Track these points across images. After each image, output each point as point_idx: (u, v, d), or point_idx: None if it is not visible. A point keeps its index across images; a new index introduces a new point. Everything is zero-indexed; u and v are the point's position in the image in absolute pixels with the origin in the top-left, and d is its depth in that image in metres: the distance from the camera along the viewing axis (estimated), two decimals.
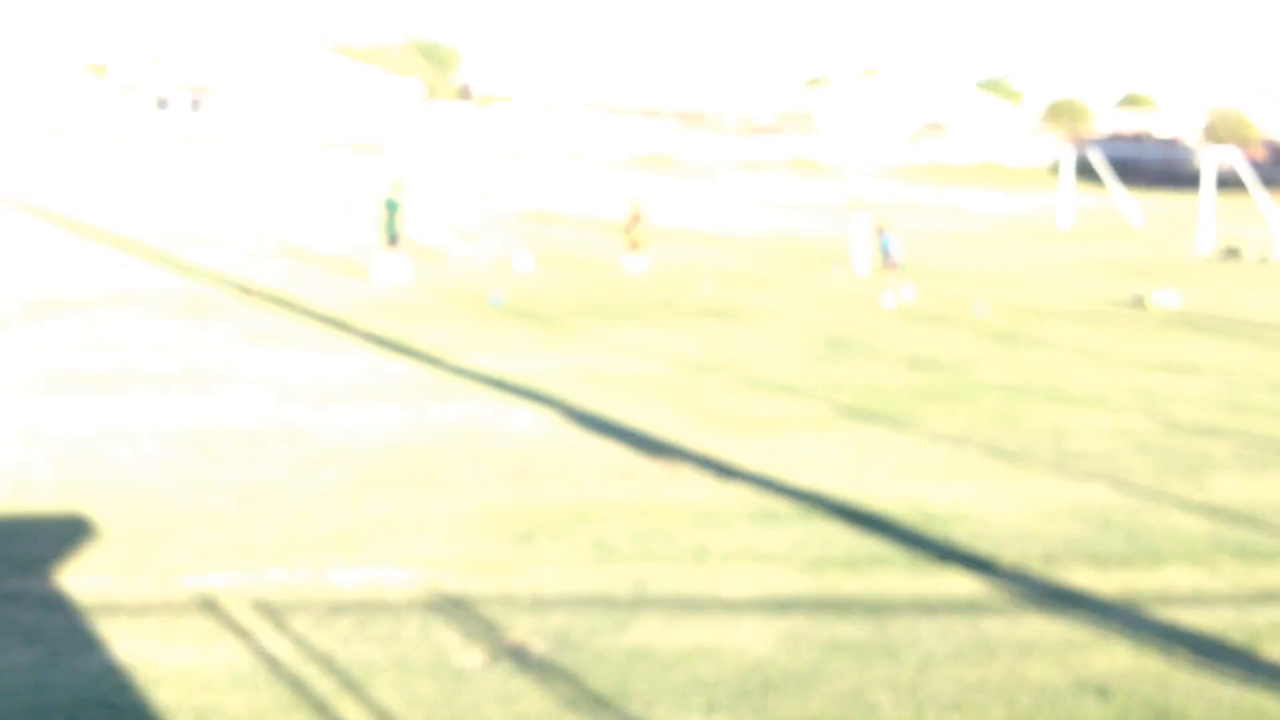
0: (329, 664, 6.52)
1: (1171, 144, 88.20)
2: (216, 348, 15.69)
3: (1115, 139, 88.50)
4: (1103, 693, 6.46)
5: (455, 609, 7.39)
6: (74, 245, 25.93)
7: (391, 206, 22.73)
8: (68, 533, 8.51)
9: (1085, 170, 57.00)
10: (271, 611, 7.23)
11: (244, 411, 12.30)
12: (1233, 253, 34.74)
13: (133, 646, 6.67)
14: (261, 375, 14.08)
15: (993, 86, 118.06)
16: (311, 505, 9.35)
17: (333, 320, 18.13)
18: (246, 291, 20.38)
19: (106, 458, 10.43)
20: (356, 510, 9.29)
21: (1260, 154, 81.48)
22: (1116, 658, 6.96)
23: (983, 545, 8.98)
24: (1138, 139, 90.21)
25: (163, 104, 71.16)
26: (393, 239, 22.60)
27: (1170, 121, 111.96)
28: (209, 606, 7.30)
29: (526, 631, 7.04)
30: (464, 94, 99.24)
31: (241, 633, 6.94)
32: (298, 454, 10.77)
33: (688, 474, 10.69)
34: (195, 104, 71.31)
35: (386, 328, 17.64)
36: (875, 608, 7.70)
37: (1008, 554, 8.77)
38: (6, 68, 78.77)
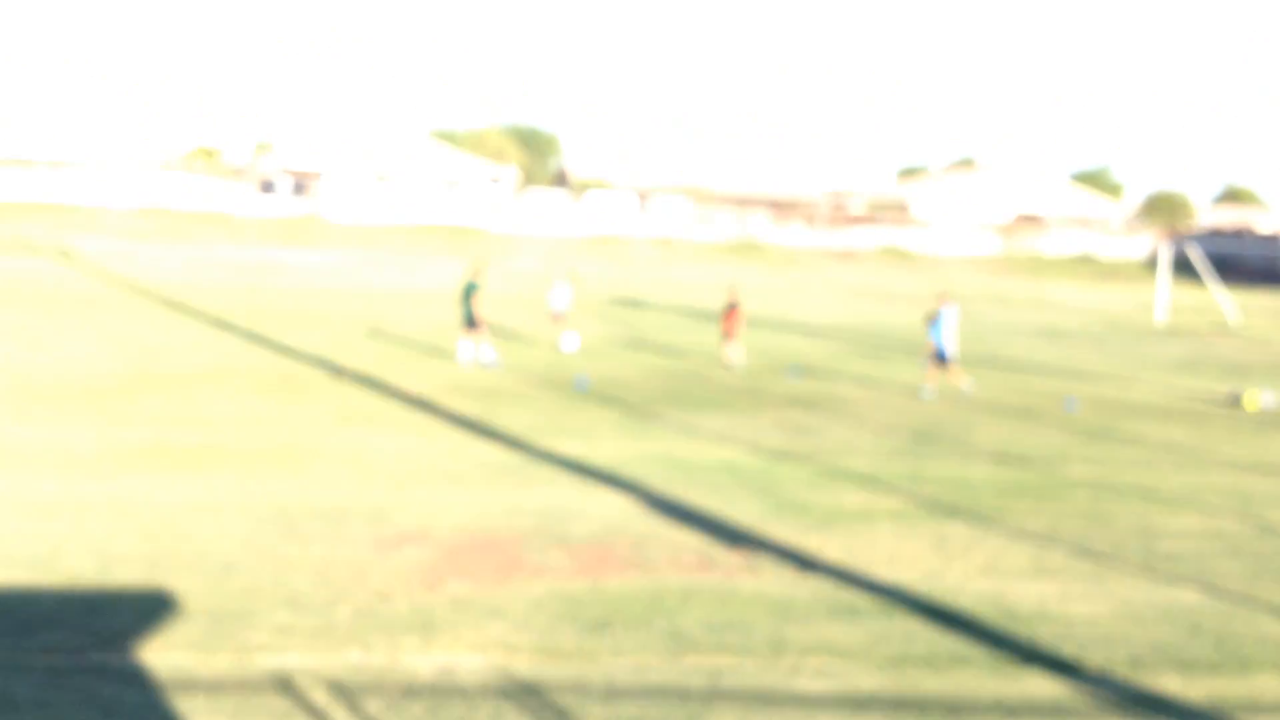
0: None
1: (1273, 241, 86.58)
2: (304, 426, 15.94)
3: (1215, 234, 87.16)
4: None
5: (528, 696, 7.37)
6: (175, 323, 26.60)
7: (470, 290, 22.98)
8: (150, 608, 8.64)
9: (1183, 266, 56.19)
10: (346, 693, 7.27)
11: (328, 490, 12.46)
12: None
13: None
14: (347, 455, 14.27)
15: (1092, 178, 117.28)
16: (389, 586, 9.41)
17: (420, 402, 18.35)
18: (337, 371, 20.72)
19: (192, 533, 10.61)
20: (434, 593, 9.32)
21: None
22: None
23: (1068, 647, 8.77)
24: (1238, 235, 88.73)
25: (268, 187, 73.06)
26: (471, 322, 22.82)
27: (1272, 218, 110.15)
28: (284, 686, 7.35)
29: None
30: (560, 180, 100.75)
31: (315, 714, 6.98)
32: (378, 534, 10.86)
33: (767, 565, 10.60)
34: (299, 188, 73.13)
35: (471, 410, 17.81)
36: (955, 708, 7.55)
37: (1093, 657, 8.56)
38: (122, 150, 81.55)
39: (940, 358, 21.90)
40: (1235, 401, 23.14)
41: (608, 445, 15.79)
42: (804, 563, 10.70)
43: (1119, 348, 33.91)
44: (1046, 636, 8.99)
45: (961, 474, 15.22)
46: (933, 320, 22.33)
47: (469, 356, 22.78)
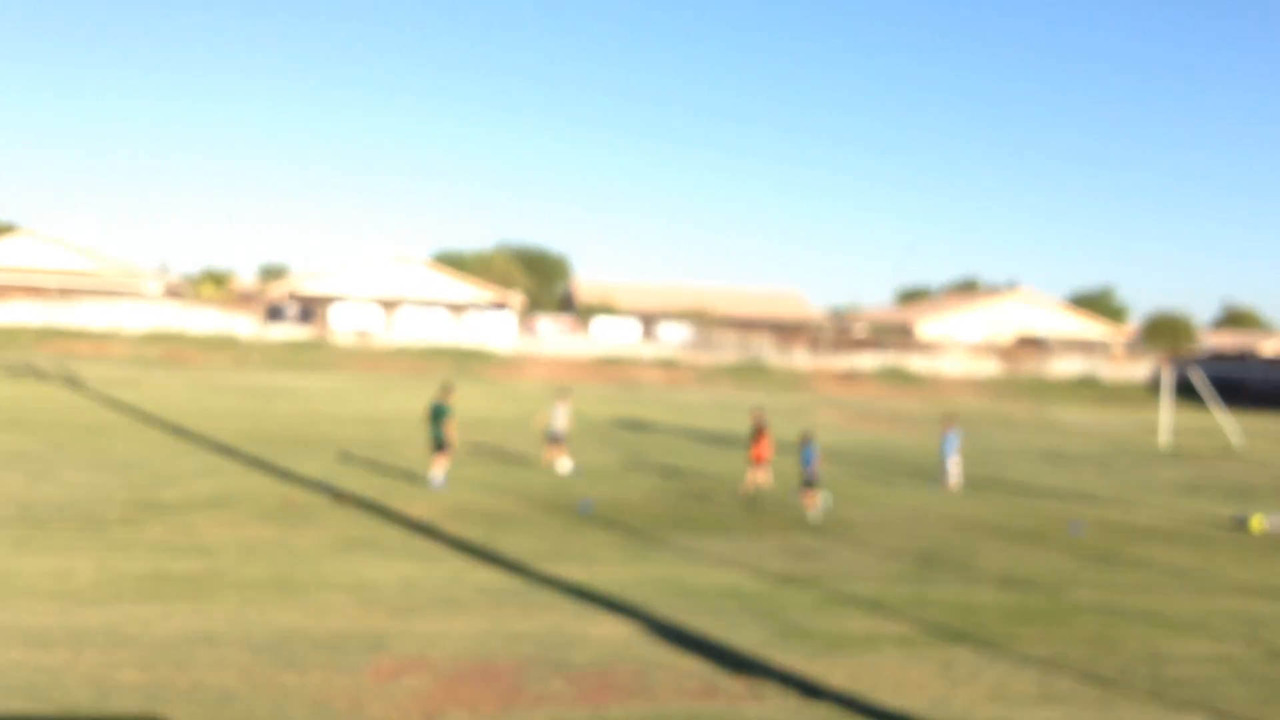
0: None
1: (1276, 364, 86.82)
2: (305, 553, 15.86)
3: (1217, 357, 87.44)
4: None
5: None
6: (179, 449, 26.61)
7: (440, 412, 22.83)
8: None
9: (1186, 389, 56.25)
10: None
11: (326, 619, 12.37)
12: None
13: None
14: (346, 582, 14.19)
15: (1095, 300, 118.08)
16: (387, 716, 9.30)
17: (421, 527, 18.28)
18: (338, 497, 20.67)
19: (190, 663, 10.52)
20: None
21: None
22: None
23: None
24: (1240, 358, 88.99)
25: (275, 313, 73.67)
26: (439, 445, 22.68)
27: (1275, 341, 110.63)
28: None
29: None
30: (566, 303, 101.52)
31: None
32: (377, 663, 10.77)
33: (771, 692, 10.48)
34: (306, 313, 73.73)
35: (473, 534, 17.74)
36: None
37: None
38: (135, 276, 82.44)
39: (808, 482, 21.71)
40: (1241, 525, 23.03)
41: (610, 569, 15.71)
42: (809, 690, 10.58)
43: (1123, 471, 33.80)
44: None
45: (967, 598, 15.11)
46: (804, 445, 22.15)
47: (440, 481, 22.57)
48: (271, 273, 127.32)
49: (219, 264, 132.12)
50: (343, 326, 73.96)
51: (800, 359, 77.98)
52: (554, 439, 26.56)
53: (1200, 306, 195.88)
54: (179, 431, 30.01)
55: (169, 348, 66.87)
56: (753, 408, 28.77)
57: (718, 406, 53.03)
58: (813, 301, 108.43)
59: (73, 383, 45.24)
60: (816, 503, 21.90)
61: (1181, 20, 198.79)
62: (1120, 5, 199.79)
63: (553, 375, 67.37)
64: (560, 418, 26.59)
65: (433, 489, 22.41)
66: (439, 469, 22.78)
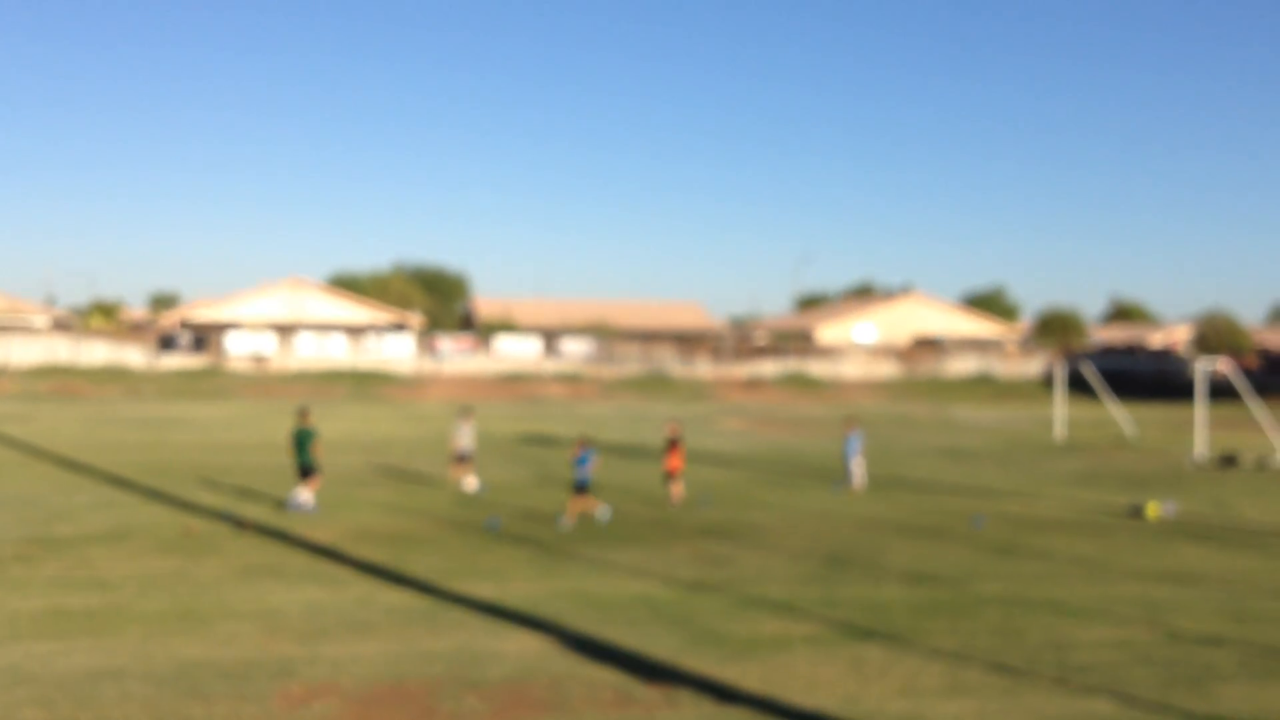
0: None
1: (1164, 355, 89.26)
2: (207, 583, 15.54)
3: (1108, 351, 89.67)
4: None
5: None
6: (73, 484, 25.95)
7: (306, 436, 22.38)
8: None
9: (1079, 382, 57.53)
10: None
11: (232, 648, 12.12)
12: (1229, 461, 34.76)
13: None
14: (251, 610, 13.93)
15: (988, 300, 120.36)
16: None
17: (326, 551, 18.02)
18: (239, 525, 20.30)
19: (92, 699, 10.25)
20: None
21: (1252, 362, 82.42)
22: None
23: None
24: (1130, 351, 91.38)
25: (167, 343, 72.26)
26: (305, 471, 22.28)
27: (1161, 332, 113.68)
28: None
29: None
30: (466, 323, 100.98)
31: None
32: (285, 691, 10.58)
33: (686, 698, 10.50)
34: (199, 341, 72.42)
35: (379, 556, 17.53)
36: None
37: None
38: (21, 310, 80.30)
39: (581, 487, 21.28)
40: (1137, 513, 23.59)
41: (521, 585, 15.62)
42: (723, 694, 10.61)
43: (1021, 464, 34.47)
44: None
45: (875, 596, 15.28)
46: (576, 457, 21.67)
47: (299, 502, 22.09)
48: (162, 301, 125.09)
49: (108, 294, 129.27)
50: (237, 354, 72.79)
51: (703, 368, 78.42)
52: (460, 458, 26.35)
53: (1089, 302, 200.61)
54: (72, 466, 29.28)
55: (59, 381, 65.25)
56: (668, 420, 28.82)
57: (622, 418, 53.09)
58: (713, 312, 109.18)
59: None
60: (593, 508, 21.69)
61: (1064, 23, 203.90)
62: (999, 9, 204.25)
63: (455, 394, 66.94)
64: (465, 436, 26.40)
65: (290, 509, 21.99)
66: (306, 492, 22.33)
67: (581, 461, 21.47)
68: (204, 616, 13.56)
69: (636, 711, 10.10)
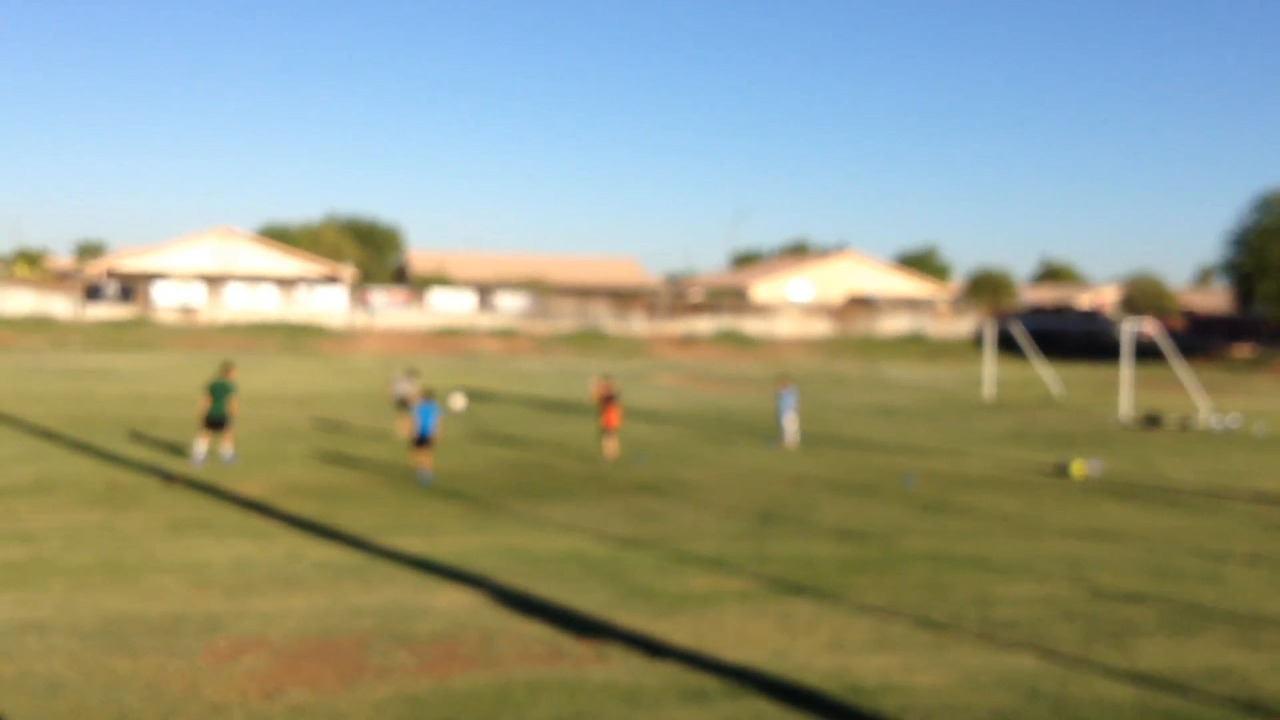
0: None
1: (1091, 316, 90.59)
2: (133, 537, 15.36)
3: (1037, 311, 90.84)
4: None
5: None
6: None
7: (224, 389, 22.21)
8: None
9: (1008, 342, 58.27)
10: None
11: (159, 602, 12.00)
12: (1153, 421, 35.41)
13: None
14: (179, 564, 13.79)
15: (920, 260, 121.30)
16: (225, 698, 9.09)
17: (256, 505, 17.86)
18: (167, 478, 20.06)
19: (16, 653, 10.10)
20: (272, 702, 9.04)
21: (1178, 323, 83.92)
22: None
23: (911, 718, 8.90)
24: (1058, 311, 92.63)
25: (94, 292, 71.01)
26: (219, 422, 22.26)
27: (1089, 293, 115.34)
28: None
29: None
30: (400, 276, 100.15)
31: None
32: (213, 645, 10.50)
33: (616, 653, 10.54)
34: (126, 291, 71.22)
35: (309, 510, 17.41)
36: None
37: None
38: None
39: (421, 439, 20.87)
40: (1062, 471, 23.98)
41: (452, 540, 15.59)
42: (653, 648, 10.67)
43: (950, 423, 34.88)
44: (891, 709, 9.11)
45: (805, 552, 15.42)
46: (422, 402, 21.30)
47: (202, 457, 21.94)
48: (89, 250, 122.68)
49: (33, 243, 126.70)
50: (165, 304, 71.71)
51: (638, 325, 78.46)
52: (405, 407, 26.23)
53: (1019, 263, 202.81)
54: None
55: None
56: (601, 376, 28.80)
57: (557, 374, 53.04)
58: (649, 268, 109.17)
59: None
60: (428, 464, 21.18)
61: None
62: None
63: (387, 349, 66.52)
64: (404, 389, 26.41)
65: (199, 464, 21.83)
66: (224, 445, 22.21)
67: (423, 413, 20.94)
68: (130, 570, 13.40)
69: (567, 666, 10.14)
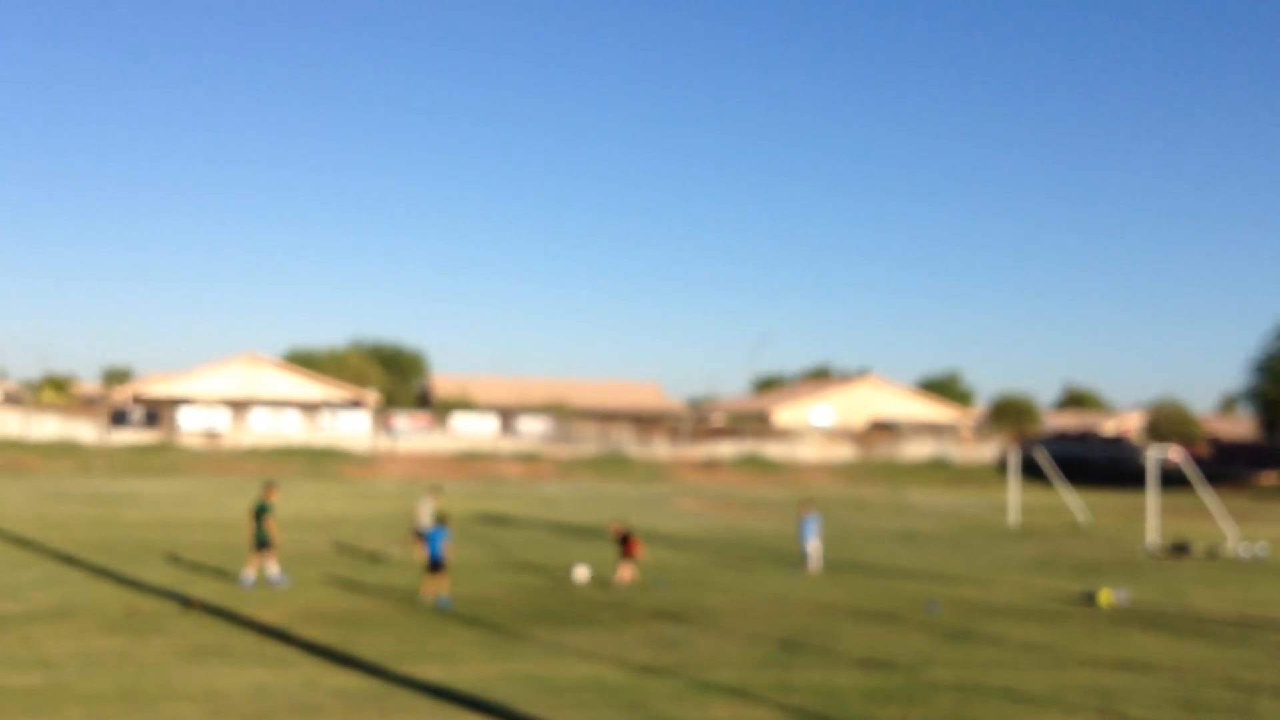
0: None
1: (1116, 442, 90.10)
2: (151, 663, 15.26)
3: (1061, 438, 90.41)
4: None
5: None
6: (17, 560, 25.51)
7: (262, 510, 22.68)
8: None
9: (1032, 468, 57.91)
10: None
11: None
12: (1180, 549, 34.99)
13: None
14: (196, 691, 13.68)
15: (943, 385, 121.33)
16: None
17: (274, 631, 17.76)
18: (186, 604, 20.00)
19: None
20: None
21: (1204, 450, 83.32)
22: None
23: None
24: (1083, 437, 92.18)
25: (119, 418, 71.50)
26: (261, 543, 22.50)
27: (1114, 420, 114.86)
28: None
29: None
30: (423, 400, 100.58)
31: None
32: None
33: None
34: (152, 417, 71.69)
35: (328, 637, 17.29)
36: None
37: None
38: None
39: (434, 564, 20.97)
40: (1090, 600, 23.66)
41: (471, 668, 15.44)
42: None
43: (975, 550, 34.54)
44: None
45: (829, 682, 15.20)
46: (435, 527, 21.72)
47: (251, 580, 22.37)
48: (115, 376, 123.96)
49: (60, 368, 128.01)
50: (190, 429, 72.11)
51: (660, 449, 78.38)
52: (420, 535, 26.19)
53: (1043, 389, 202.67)
54: (19, 542, 28.81)
55: (8, 456, 64.32)
56: (612, 520, 28.70)
57: (579, 498, 52.88)
58: (671, 392, 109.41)
59: None
60: (445, 589, 21.24)
61: (1004, 99, 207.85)
62: (947, 90, 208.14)
63: (411, 472, 66.52)
64: (427, 512, 26.34)
65: (248, 586, 22.20)
66: (269, 568, 22.66)
67: (433, 538, 21.26)
68: (147, 697, 13.30)
69: None
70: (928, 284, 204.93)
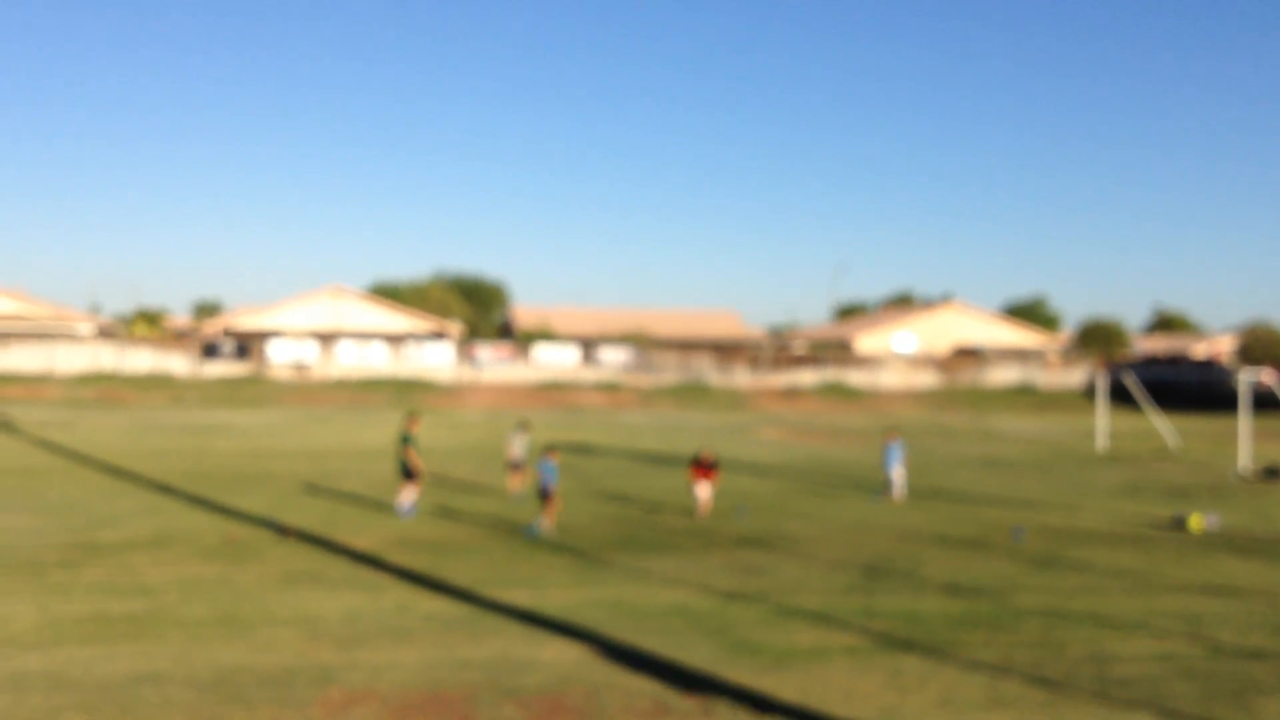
0: None
1: (1207, 365, 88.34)
2: (248, 590, 15.69)
3: (1150, 362, 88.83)
4: None
5: None
6: (116, 490, 26.23)
7: (404, 441, 23.04)
8: None
9: (1121, 393, 57.05)
10: None
11: (272, 654, 12.23)
12: (1272, 474, 34.35)
13: None
14: (292, 616, 14.04)
15: (1029, 310, 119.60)
16: None
17: (366, 558, 18.14)
18: (281, 532, 20.47)
19: (134, 704, 10.36)
20: None
21: None
22: None
23: None
24: (1173, 361, 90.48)
25: (210, 351, 72.87)
26: (407, 473, 22.85)
27: (1205, 343, 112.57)
28: None
29: None
30: (505, 331, 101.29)
31: None
32: (325, 697, 10.67)
33: (722, 708, 10.49)
34: (242, 349, 73.00)
35: (419, 563, 17.62)
36: None
37: None
38: (67, 318, 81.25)
39: (543, 494, 21.09)
40: (1180, 525, 23.37)
41: (558, 593, 15.67)
42: (760, 704, 10.60)
43: (1062, 476, 34.20)
44: None
45: (913, 607, 15.21)
46: (542, 459, 21.61)
47: (408, 508, 22.79)
48: (205, 310, 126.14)
49: (152, 303, 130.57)
50: (279, 361, 73.32)
51: (741, 378, 78.30)
52: (514, 466, 26.60)
53: (1132, 313, 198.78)
54: (116, 472, 29.59)
55: (104, 389, 65.94)
56: (702, 447, 28.77)
57: (660, 427, 53.09)
58: (751, 321, 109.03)
59: (6, 426, 44.48)
60: (550, 519, 21.28)
61: (1107, 26, 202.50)
62: (1046, 13, 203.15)
63: (494, 402, 67.17)
64: (518, 446, 26.65)
65: (400, 517, 22.63)
66: (403, 496, 22.92)
67: (545, 470, 21.30)
68: (245, 622, 13.69)
69: None
70: (1013, 207, 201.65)
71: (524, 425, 27.77)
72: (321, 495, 25.60)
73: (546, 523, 21.13)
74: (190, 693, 10.71)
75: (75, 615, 13.91)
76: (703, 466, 24.16)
